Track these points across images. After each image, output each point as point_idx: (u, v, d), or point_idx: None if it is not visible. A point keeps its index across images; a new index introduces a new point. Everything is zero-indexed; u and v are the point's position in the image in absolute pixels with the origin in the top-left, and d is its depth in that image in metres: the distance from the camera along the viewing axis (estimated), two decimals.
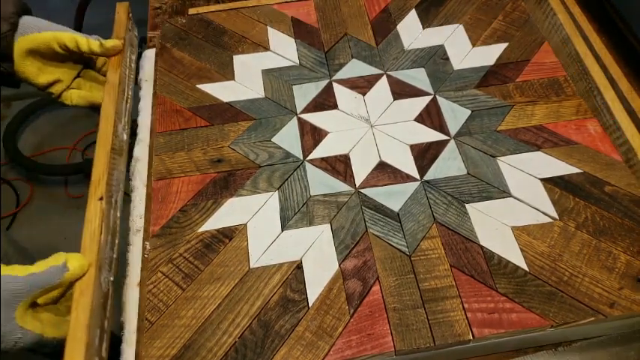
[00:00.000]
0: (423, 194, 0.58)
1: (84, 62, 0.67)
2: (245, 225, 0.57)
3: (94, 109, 0.65)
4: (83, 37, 0.61)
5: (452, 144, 0.63)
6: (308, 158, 0.63)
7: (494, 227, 0.55)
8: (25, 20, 0.59)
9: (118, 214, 0.58)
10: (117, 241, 0.56)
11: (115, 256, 0.55)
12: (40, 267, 0.46)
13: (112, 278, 0.53)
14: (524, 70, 0.69)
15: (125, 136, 0.64)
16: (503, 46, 0.72)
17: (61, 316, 0.49)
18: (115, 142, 0.60)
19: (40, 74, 0.61)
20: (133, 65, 0.71)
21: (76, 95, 0.65)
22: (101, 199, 0.54)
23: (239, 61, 0.72)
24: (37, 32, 0.59)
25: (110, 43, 0.64)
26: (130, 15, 0.72)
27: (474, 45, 0.72)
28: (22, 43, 0.58)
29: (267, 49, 0.74)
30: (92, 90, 0.66)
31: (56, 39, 0.59)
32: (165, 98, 0.68)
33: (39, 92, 0.64)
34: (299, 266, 0.54)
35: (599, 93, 0.64)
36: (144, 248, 0.56)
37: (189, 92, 0.69)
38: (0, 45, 0.57)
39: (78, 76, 0.66)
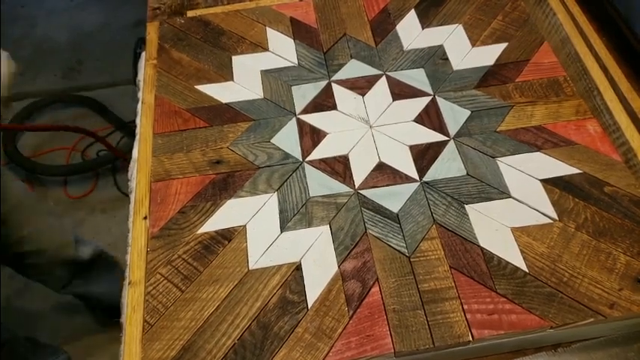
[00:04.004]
0: (423, 195, 0.58)
1: None
2: (244, 226, 0.57)
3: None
4: None
5: (451, 145, 0.63)
6: (307, 159, 0.62)
7: (494, 228, 0.55)
8: None
9: None
10: None
11: None
12: None
13: None
14: (523, 70, 0.69)
15: None
16: (502, 46, 0.72)
17: None
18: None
19: None
20: None
21: None
22: (145, 218, 0.57)
23: (238, 61, 0.72)
24: None
25: None
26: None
27: (473, 45, 0.72)
28: None
29: (265, 49, 0.74)
30: None
31: None
32: (163, 99, 0.68)
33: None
34: (298, 267, 0.54)
35: (598, 93, 0.64)
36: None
37: (187, 93, 0.69)
38: None
39: None
